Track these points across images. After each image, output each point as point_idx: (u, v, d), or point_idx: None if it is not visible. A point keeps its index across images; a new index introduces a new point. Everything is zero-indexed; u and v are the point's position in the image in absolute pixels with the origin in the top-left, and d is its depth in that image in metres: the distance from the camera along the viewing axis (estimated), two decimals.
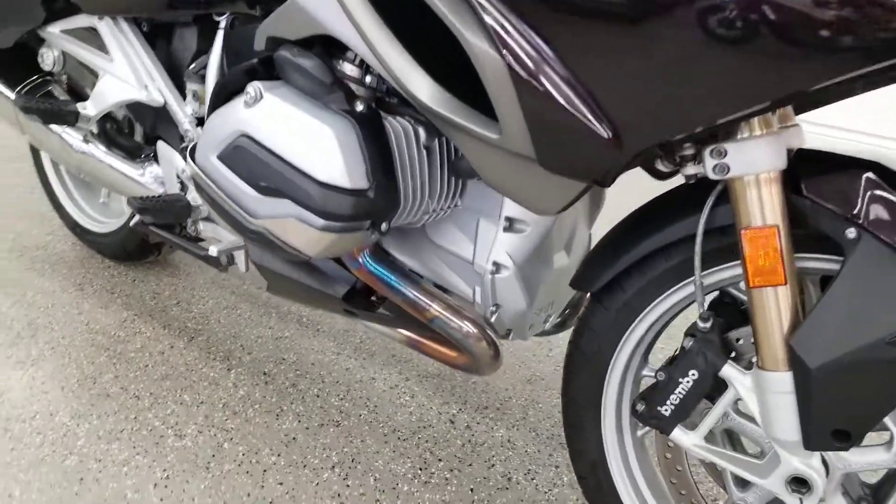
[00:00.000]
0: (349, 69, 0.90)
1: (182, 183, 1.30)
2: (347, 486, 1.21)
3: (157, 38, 1.33)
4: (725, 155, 0.75)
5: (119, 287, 1.75)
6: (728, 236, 0.80)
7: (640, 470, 1.00)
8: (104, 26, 1.33)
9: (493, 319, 0.99)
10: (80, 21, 1.37)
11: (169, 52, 1.32)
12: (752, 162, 0.73)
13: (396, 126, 0.89)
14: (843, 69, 0.59)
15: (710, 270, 0.85)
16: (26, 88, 1.47)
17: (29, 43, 1.48)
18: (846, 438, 0.75)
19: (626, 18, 0.63)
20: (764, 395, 0.79)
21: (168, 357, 1.52)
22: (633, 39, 0.64)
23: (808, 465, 0.79)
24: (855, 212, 0.72)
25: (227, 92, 0.97)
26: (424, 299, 0.97)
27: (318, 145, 0.84)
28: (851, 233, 0.72)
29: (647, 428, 0.98)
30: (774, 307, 0.76)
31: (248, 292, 1.78)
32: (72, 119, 1.36)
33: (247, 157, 0.88)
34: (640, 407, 0.90)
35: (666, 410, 0.87)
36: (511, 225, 0.96)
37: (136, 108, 1.36)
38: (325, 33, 0.85)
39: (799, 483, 0.81)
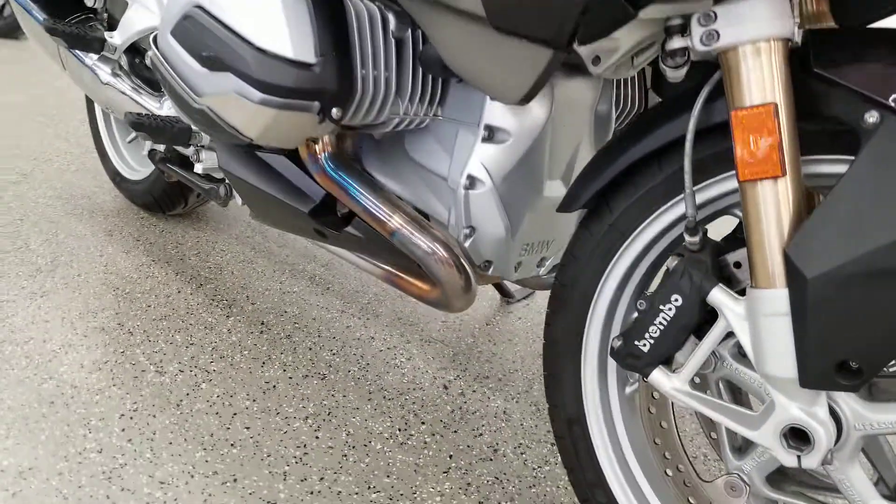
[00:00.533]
0: None
1: None
2: (317, 437, 1.11)
3: None
4: (715, 19, 0.61)
5: (145, 235, 1.74)
6: (729, 138, 0.65)
7: (626, 433, 0.84)
8: None
9: (466, 244, 0.87)
10: None
11: None
12: (746, 26, 0.59)
13: (360, 7, 0.81)
14: None
15: (708, 181, 0.70)
16: (68, 21, 1.49)
17: None
18: (855, 375, 0.58)
19: None
20: (756, 319, 0.63)
21: (172, 300, 1.48)
22: None
23: (811, 413, 0.62)
24: (877, 90, 0.57)
25: None
26: (385, 209, 0.87)
27: (264, 12, 0.76)
28: (872, 116, 0.57)
29: (636, 384, 0.83)
30: (772, 205, 0.60)
31: (267, 249, 1.73)
32: (97, 45, 1.36)
33: (194, 28, 0.82)
34: (617, 343, 0.75)
35: (644, 345, 0.72)
36: (491, 135, 0.84)
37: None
38: None
39: (798, 437, 0.63)
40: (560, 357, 0.84)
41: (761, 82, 0.59)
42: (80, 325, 1.37)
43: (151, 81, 1.43)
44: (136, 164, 1.83)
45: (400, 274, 0.97)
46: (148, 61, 0.93)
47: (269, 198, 0.97)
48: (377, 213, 0.87)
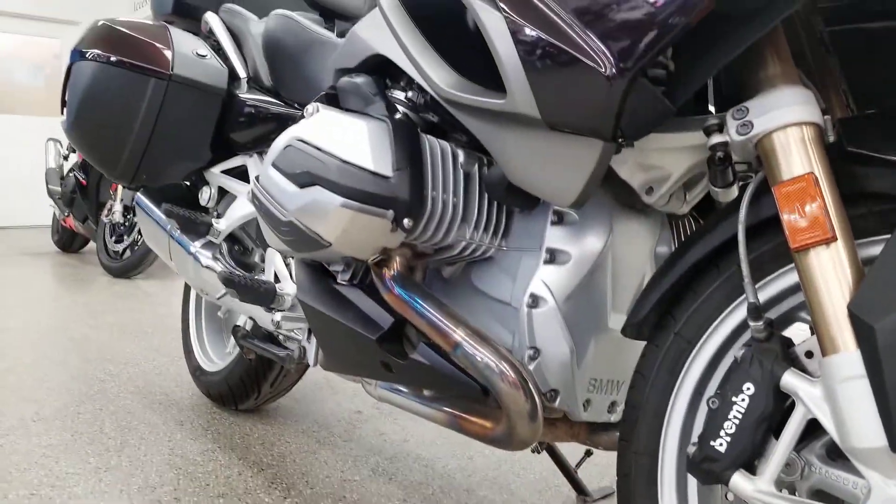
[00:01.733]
0: (396, 91, 0.98)
1: (276, 277, 1.37)
2: None
3: None
4: (748, 112, 0.69)
5: (214, 426, 1.76)
6: (781, 232, 0.68)
7: None
8: (251, 161, 1.56)
9: (531, 367, 0.87)
10: (236, 161, 1.61)
11: None
12: (776, 113, 0.66)
13: (434, 142, 0.93)
14: None
15: (768, 278, 0.72)
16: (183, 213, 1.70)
17: (192, 182, 1.75)
18: None
19: None
20: (832, 390, 0.59)
21: (231, 480, 1.45)
22: None
23: None
24: None
25: None
26: (449, 322, 0.89)
27: (351, 134, 0.89)
28: None
29: None
30: (828, 268, 0.61)
31: (332, 442, 1.70)
32: (203, 229, 1.54)
33: (292, 156, 0.95)
34: (692, 450, 0.70)
35: (720, 444, 0.67)
36: (552, 257, 0.89)
37: (259, 229, 1.51)
38: (374, 54, 0.95)
39: None
40: (633, 488, 0.79)
41: (798, 157, 0.64)
42: (138, 498, 1.35)
43: (246, 265, 1.57)
44: (217, 358, 1.92)
45: (463, 415, 0.95)
46: (252, 197, 1.05)
47: (339, 328, 1.01)
48: (441, 326, 0.89)
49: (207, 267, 1.55)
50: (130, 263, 4.02)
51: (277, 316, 1.30)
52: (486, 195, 0.94)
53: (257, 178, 1.04)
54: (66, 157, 5.39)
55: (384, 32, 0.92)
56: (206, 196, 1.68)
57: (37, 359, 2.29)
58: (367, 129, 0.89)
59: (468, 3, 0.76)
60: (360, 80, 0.99)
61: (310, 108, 0.98)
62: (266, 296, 1.29)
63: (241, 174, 1.63)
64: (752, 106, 0.69)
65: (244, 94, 1.56)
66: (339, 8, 1.72)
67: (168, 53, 1.54)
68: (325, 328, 1.05)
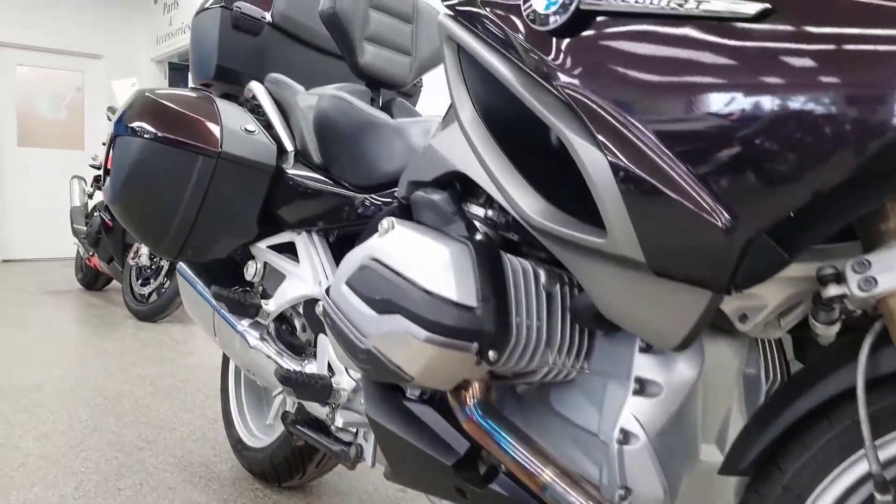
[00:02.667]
0: (475, 208, 0.94)
1: (331, 370, 1.34)
2: None
3: (340, 246, 1.50)
4: (870, 267, 0.65)
5: (258, 502, 1.72)
6: None
7: None
8: (300, 239, 1.53)
9: None
10: (283, 237, 1.58)
11: (340, 256, 1.47)
12: None
13: (515, 263, 0.89)
14: None
15: (887, 436, 0.67)
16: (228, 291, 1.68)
17: (236, 257, 1.72)
18: None
19: (726, 98, 0.62)
20: None
21: None
22: (736, 118, 0.62)
23: None
24: None
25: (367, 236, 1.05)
26: (536, 462, 0.85)
27: (432, 261, 0.85)
28: None
29: None
30: None
31: None
32: (253, 311, 1.51)
33: (370, 278, 0.91)
34: None
35: None
36: (642, 388, 0.85)
37: (308, 310, 1.48)
38: (453, 170, 0.91)
39: None
40: None
41: None
42: None
43: (294, 346, 1.54)
44: (260, 433, 1.88)
45: None
46: (323, 311, 1.02)
47: (411, 450, 0.97)
48: (527, 466, 0.85)
49: (255, 348, 1.53)
50: (157, 308, 4.01)
51: (336, 414, 1.27)
52: (568, 319, 0.90)
53: (328, 290, 1.01)
54: (90, 196, 5.42)
55: (464, 149, 0.89)
56: (251, 271, 1.65)
57: (72, 423, 2.27)
58: (448, 254, 0.86)
59: (565, 138, 0.73)
60: (437, 196, 0.95)
61: (384, 223, 0.95)
62: (323, 392, 1.26)
63: (286, 248, 1.60)
64: (876, 261, 0.65)
65: (293, 170, 1.53)
66: (385, 77, 1.71)
67: (217, 130, 1.52)
68: (394, 446, 1.01)
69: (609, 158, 0.69)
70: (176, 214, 1.54)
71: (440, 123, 1.22)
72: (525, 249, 0.95)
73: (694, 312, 0.70)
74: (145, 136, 1.52)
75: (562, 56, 0.73)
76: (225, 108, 1.59)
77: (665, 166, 0.66)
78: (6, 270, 6.73)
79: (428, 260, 0.86)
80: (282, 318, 1.60)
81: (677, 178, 0.65)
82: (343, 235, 1.51)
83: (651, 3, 0.65)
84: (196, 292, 1.72)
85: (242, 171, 1.53)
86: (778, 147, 0.60)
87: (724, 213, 0.63)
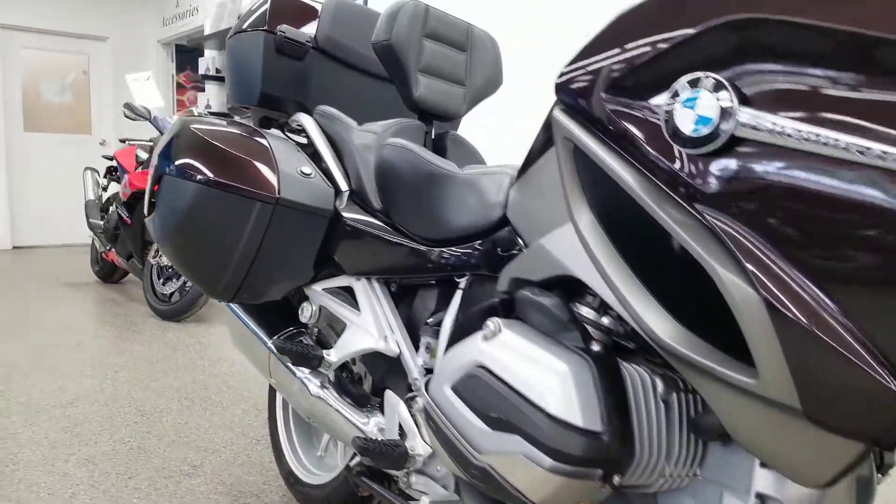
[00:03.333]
0: (586, 310, 0.91)
1: (402, 431, 1.32)
2: None
3: (402, 296, 1.47)
4: None
5: None
6: None
7: None
8: (359, 285, 1.50)
9: None
10: (341, 281, 1.56)
11: (409, 310, 1.44)
12: None
13: (633, 373, 0.86)
14: None
15: None
16: (283, 336, 1.65)
17: (291, 298, 1.70)
18: None
19: None
20: None
21: None
22: None
23: None
24: None
25: (465, 330, 1.02)
26: None
27: (553, 380, 0.82)
28: None
29: None
30: None
31: None
32: (316, 363, 1.49)
33: (480, 388, 0.88)
34: None
35: None
36: (763, 503, 0.83)
37: (370, 360, 1.46)
38: (565, 274, 0.88)
39: None
40: None
41: None
42: None
43: (356, 396, 1.52)
44: (313, 467, 1.87)
45: None
46: (422, 408, 1.00)
47: None
48: None
49: (317, 396, 1.51)
50: (181, 307, 3.99)
51: (411, 477, 1.26)
52: (685, 426, 0.88)
53: (426, 386, 0.98)
54: (104, 188, 5.37)
55: (578, 253, 0.86)
56: (307, 314, 1.63)
57: (115, 445, 2.26)
58: (568, 371, 0.82)
59: (710, 267, 0.69)
60: (547, 300, 0.91)
61: (490, 324, 0.92)
62: (399, 460, 1.24)
63: (344, 292, 1.58)
64: None
65: (351, 213, 1.49)
66: (440, 110, 1.66)
67: (273, 175, 1.48)
68: None
69: (763, 295, 0.66)
70: (231, 260, 1.50)
71: (513, 179, 1.19)
72: (636, 353, 0.92)
73: (846, 458, 0.67)
74: (198, 179, 1.48)
75: (708, 180, 0.69)
76: (278, 147, 1.54)
77: (826, 313, 0.63)
78: (18, 258, 6.71)
79: (546, 377, 0.83)
80: (344, 367, 1.58)
81: (841, 328, 0.62)
82: (405, 286, 1.48)
83: (825, 145, 0.61)
84: (250, 332, 1.69)
85: (300, 217, 1.49)
86: None
87: (893, 375, 0.60)
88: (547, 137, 1.01)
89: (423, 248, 1.36)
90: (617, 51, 0.80)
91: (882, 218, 0.60)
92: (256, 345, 1.68)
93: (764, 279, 0.66)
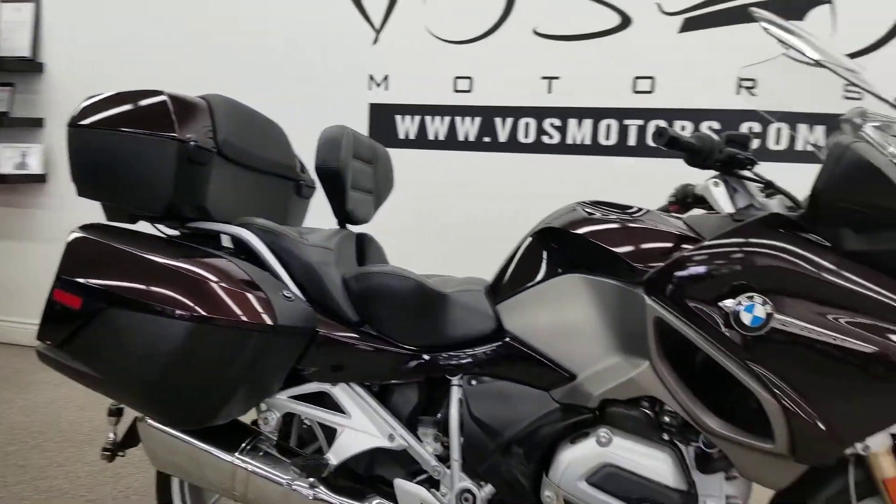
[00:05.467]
0: (664, 416, 1.43)
1: None
2: None
3: (383, 396, 1.71)
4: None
5: None
6: None
7: None
8: (339, 391, 1.68)
9: None
10: (310, 388, 1.70)
11: (396, 407, 1.70)
12: None
13: (690, 452, 1.43)
14: None
15: None
16: (246, 450, 1.71)
17: None
18: None
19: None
20: None
21: None
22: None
23: None
24: None
25: (542, 434, 1.44)
26: None
27: (663, 467, 1.34)
28: None
29: None
30: None
31: None
32: (321, 469, 1.63)
33: (613, 479, 1.34)
34: None
35: None
36: (727, 501, 1.48)
37: (378, 460, 1.68)
38: (647, 394, 1.39)
39: None
40: None
41: None
42: None
43: (351, 491, 1.65)
44: None
45: None
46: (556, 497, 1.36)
47: None
48: None
49: (317, 499, 1.64)
50: None
51: None
52: None
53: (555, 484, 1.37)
54: None
55: (656, 380, 1.36)
56: (272, 423, 1.72)
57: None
58: (669, 460, 1.36)
59: (756, 391, 1.29)
60: (637, 413, 1.40)
61: (602, 435, 1.37)
62: None
63: (309, 399, 1.72)
64: None
65: (329, 328, 1.65)
66: (360, 218, 1.92)
67: (265, 303, 1.53)
68: None
69: (784, 404, 1.28)
70: (216, 390, 1.55)
71: (488, 293, 1.60)
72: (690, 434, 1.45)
73: (799, 471, 1.35)
74: (191, 318, 1.48)
75: (756, 348, 1.29)
76: (252, 270, 1.61)
77: (808, 412, 1.28)
78: None
79: (658, 465, 1.34)
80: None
81: (815, 419, 1.28)
82: (386, 385, 1.72)
83: (834, 340, 1.25)
84: (202, 452, 1.69)
85: (290, 339, 1.61)
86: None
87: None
88: (546, 274, 1.54)
89: (413, 354, 1.65)
90: (698, 269, 1.34)
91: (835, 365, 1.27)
92: (212, 463, 1.69)
93: (782, 396, 1.28)
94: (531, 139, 3.35)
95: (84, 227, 1.69)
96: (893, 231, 1.26)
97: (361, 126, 3.52)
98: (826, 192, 1.29)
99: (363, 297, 1.67)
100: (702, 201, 1.77)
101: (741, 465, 1.37)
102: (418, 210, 3.40)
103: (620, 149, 3.24)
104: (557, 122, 3.31)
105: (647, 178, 3.14)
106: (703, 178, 1.62)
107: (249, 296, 1.54)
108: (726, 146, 1.47)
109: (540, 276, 1.61)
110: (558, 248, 1.60)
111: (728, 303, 1.30)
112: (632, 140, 3.22)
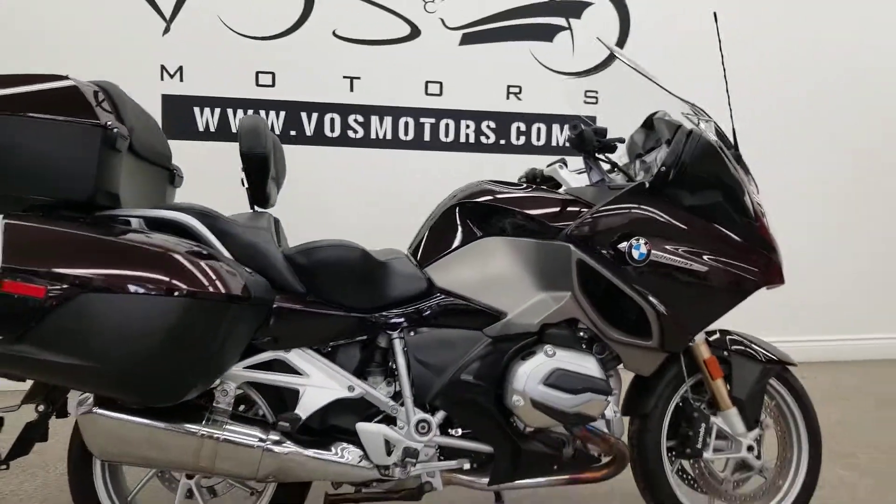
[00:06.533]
0: (579, 332, 1.92)
1: (389, 446, 1.87)
2: None
3: (332, 355, 1.92)
4: None
5: None
6: None
7: None
8: (293, 356, 1.85)
9: None
10: (266, 356, 1.84)
11: (339, 363, 1.91)
12: None
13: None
14: None
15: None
16: (211, 421, 1.76)
17: None
18: None
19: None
20: None
21: None
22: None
23: None
24: None
25: (494, 359, 1.84)
26: None
27: (591, 365, 1.86)
28: None
29: None
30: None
31: None
32: (297, 423, 1.78)
33: (564, 379, 1.79)
34: None
35: None
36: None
37: (335, 410, 1.87)
38: (570, 317, 1.87)
39: None
40: None
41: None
42: None
43: (317, 443, 1.83)
44: None
45: None
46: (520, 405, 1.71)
47: None
48: None
49: (289, 453, 1.78)
50: None
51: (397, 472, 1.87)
52: None
53: (512, 395, 1.76)
54: None
55: (576, 306, 1.84)
56: (230, 394, 1.81)
57: None
58: (594, 360, 1.85)
59: (643, 304, 1.86)
60: (567, 332, 1.85)
61: (548, 349, 1.81)
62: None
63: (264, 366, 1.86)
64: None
65: (284, 300, 1.82)
66: (272, 202, 2.08)
67: (238, 277, 1.65)
68: None
69: (657, 311, 1.88)
70: (198, 364, 1.65)
71: (410, 259, 1.97)
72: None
73: (661, 359, 1.97)
74: (179, 294, 1.56)
75: (641, 276, 1.85)
76: (211, 251, 1.70)
77: (676, 319, 1.90)
78: None
79: (588, 366, 1.82)
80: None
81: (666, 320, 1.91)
82: (335, 346, 1.93)
83: (684, 265, 1.86)
84: (164, 432, 1.72)
85: (257, 311, 1.75)
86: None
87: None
88: (465, 239, 1.94)
89: (358, 316, 1.90)
90: (603, 224, 1.85)
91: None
92: (175, 441, 1.73)
93: (657, 305, 1.87)
94: (337, 133, 3.62)
95: (8, 216, 1.61)
96: (713, 191, 1.93)
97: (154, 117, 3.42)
98: (672, 165, 1.91)
99: (311, 269, 1.87)
100: (549, 181, 2.31)
101: (627, 360, 1.93)
102: (228, 199, 3.44)
103: (417, 143, 3.69)
104: (361, 119, 3.64)
105: (436, 169, 3.65)
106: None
107: (221, 271, 1.64)
108: (595, 138, 2.02)
109: (459, 242, 1.99)
110: (475, 217, 1.99)
111: (622, 245, 1.85)
112: (427, 136, 3.70)
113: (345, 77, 3.62)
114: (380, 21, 3.62)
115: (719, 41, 2.11)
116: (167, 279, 1.56)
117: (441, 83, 3.71)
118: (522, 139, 3.78)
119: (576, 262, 1.87)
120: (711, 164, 1.93)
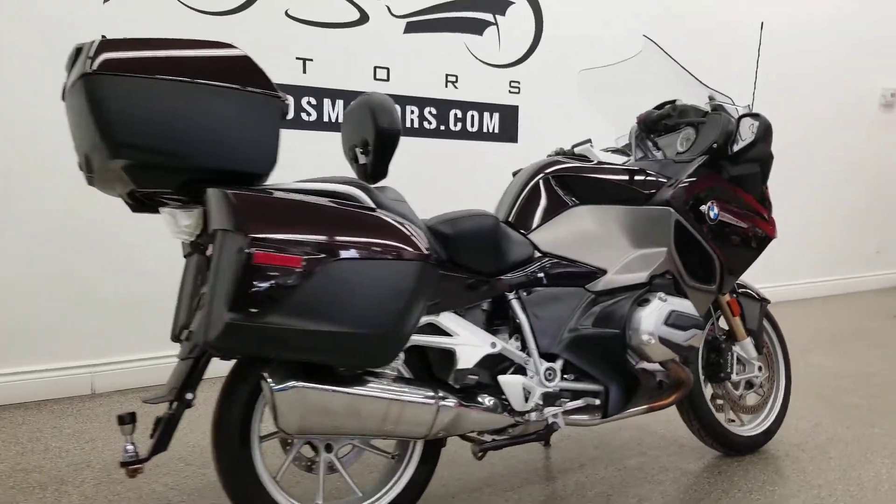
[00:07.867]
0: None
1: (527, 394, 2.06)
2: None
3: (466, 317, 2.06)
4: None
5: None
6: None
7: None
8: (444, 318, 1.97)
9: None
10: (424, 320, 1.94)
11: (478, 322, 2.07)
12: None
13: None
14: None
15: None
16: (391, 384, 1.82)
17: None
18: None
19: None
20: None
21: None
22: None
23: None
24: None
25: (610, 312, 2.14)
26: None
27: (691, 305, 2.22)
28: None
29: None
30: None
31: None
32: (471, 380, 1.91)
33: (679, 319, 2.12)
34: None
35: None
36: None
37: (485, 364, 2.01)
38: (666, 270, 2.23)
39: None
40: None
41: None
42: None
43: (471, 395, 1.98)
44: None
45: None
46: (646, 342, 1.97)
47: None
48: None
49: (461, 406, 1.91)
50: None
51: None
52: None
53: (641, 334, 2.05)
54: None
55: (671, 259, 2.20)
56: (400, 361, 1.89)
57: None
58: (689, 302, 2.21)
59: (711, 255, 2.28)
60: (667, 281, 2.17)
61: (661, 295, 2.12)
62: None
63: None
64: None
65: (438, 266, 1.94)
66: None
67: (421, 236, 1.74)
68: None
69: (721, 261, 2.32)
70: (414, 324, 1.74)
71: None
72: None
73: (712, 300, 2.44)
74: (415, 257, 1.66)
75: (713, 232, 2.30)
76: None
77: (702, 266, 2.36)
78: None
79: (689, 307, 2.18)
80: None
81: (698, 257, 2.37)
82: (470, 308, 2.07)
83: (736, 223, 2.32)
84: (358, 397, 1.75)
85: (437, 274, 1.86)
86: None
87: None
88: (560, 207, 2.23)
89: (486, 280, 2.09)
90: (689, 191, 2.24)
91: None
92: (366, 406, 1.77)
93: (721, 255, 2.33)
94: (290, 116, 3.56)
95: (225, 189, 1.56)
96: (754, 164, 2.42)
97: None
98: (731, 143, 2.36)
99: (455, 238, 2.00)
100: (581, 158, 2.65)
101: (694, 302, 2.35)
102: None
103: None
104: (314, 101, 3.61)
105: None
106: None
107: (428, 237, 1.77)
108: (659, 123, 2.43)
109: (555, 210, 2.26)
110: (566, 188, 2.27)
111: (703, 207, 2.26)
112: None
113: (297, 58, 3.57)
114: (331, 4, 3.62)
115: (758, 50, 2.62)
116: (403, 246, 1.63)
117: (388, 69, 3.82)
118: (459, 125, 4.03)
119: (674, 222, 2.24)
120: (769, 142, 2.41)
